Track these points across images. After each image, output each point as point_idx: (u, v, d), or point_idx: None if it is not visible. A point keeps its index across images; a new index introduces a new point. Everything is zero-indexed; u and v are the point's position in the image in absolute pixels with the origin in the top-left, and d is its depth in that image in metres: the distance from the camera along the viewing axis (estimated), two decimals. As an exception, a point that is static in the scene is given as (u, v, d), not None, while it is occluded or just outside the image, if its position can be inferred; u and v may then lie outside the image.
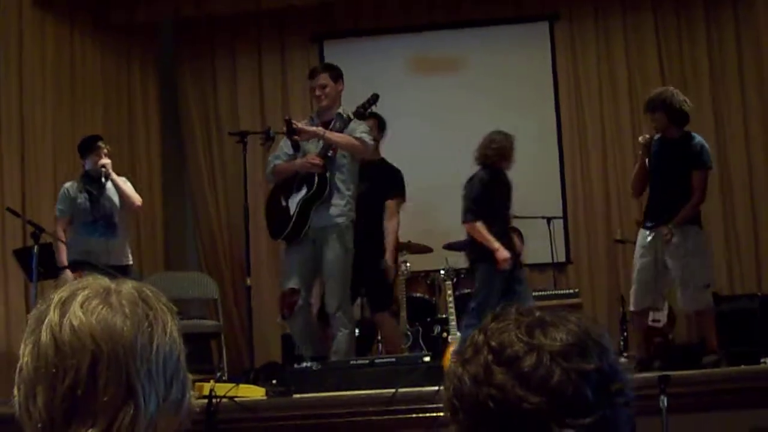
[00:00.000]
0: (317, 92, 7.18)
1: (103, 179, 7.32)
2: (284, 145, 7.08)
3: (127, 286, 1.45)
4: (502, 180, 7.36)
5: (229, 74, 10.44)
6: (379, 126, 7.52)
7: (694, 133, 7.05)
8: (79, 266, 7.05)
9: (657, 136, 7.07)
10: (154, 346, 1.38)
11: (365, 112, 7.20)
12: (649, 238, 6.95)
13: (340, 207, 6.98)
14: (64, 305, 1.39)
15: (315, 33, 10.40)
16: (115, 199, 7.41)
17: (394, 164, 7.91)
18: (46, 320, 1.38)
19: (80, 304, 1.38)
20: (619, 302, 8.70)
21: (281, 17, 10.25)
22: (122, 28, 9.63)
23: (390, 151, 7.68)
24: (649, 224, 7.00)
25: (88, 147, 7.46)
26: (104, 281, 1.45)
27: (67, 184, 7.50)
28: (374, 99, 7.22)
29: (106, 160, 7.33)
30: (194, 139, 10.41)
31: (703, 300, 6.95)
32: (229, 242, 10.08)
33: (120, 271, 7.29)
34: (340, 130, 6.97)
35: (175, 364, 1.41)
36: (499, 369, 1.28)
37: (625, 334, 8.05)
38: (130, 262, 7.60)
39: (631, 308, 7.07)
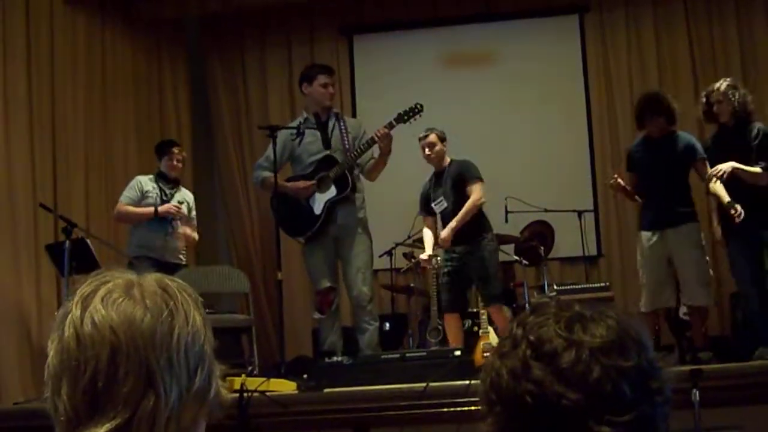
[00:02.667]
0: (331, 90, 7.32)
1: (171, 223, 7.69)
2: (269, 151, 7.12)
3: (150, 279, 1.45)
4: None
5: (258, 68, 10.46)
6: (441, 139, 7.49)
7: (677, 130, 7.07)
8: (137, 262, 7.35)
9: (634, 143, 7.24)
10: (175, 336, 1.38)
11: (407, 122, 7.16)
12: (654, 239, 6.94)
13: (360, 201, 7.27)
14: (86, 300, 1.40)
15: (344, 26, 10.40)
16: (183, 206, 7.78)
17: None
18: (69, 316, 1.39)
19: (101, 299, 1.39)
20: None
21: (310, 10, 10.26)
22: (151, 23, 9.68)
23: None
24: (648, 226, 6.98)
25: (163, 150, 7.85)
26: (128, 276, 1.45)
27: (142, 177, 7.83)
28: (418, 110, 7.14)
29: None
30: (224, 134, 10.44)
31: (707, 296, 7.00)
32: (260, 236, 10.12)
33: (175, 269, 7.48)
34: (342, 128, 7.22)
35: (198, 354, 1.41)
36: (537, 364, 1.27)
37: (657, 327, 7.99)
38: (185, 263, 7.93)
39: (642, 310, 6.99)
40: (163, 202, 7.65)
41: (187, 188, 8.20)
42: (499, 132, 9.66)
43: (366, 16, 10.41)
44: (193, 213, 7.97)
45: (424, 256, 7.52)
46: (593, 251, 9.61)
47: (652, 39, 9.89)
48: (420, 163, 7.55)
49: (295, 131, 7.22)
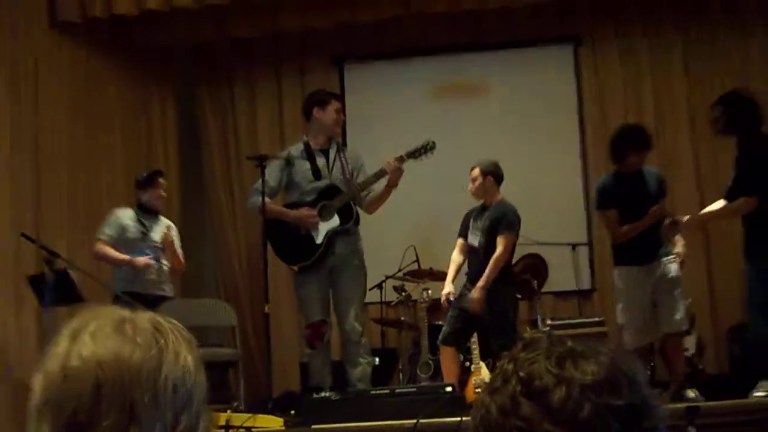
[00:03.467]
0: (342, 117, 7.37)
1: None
2: (270, 177, 7.13)
3: (143, 316, 1.45)
4: None
5: (247, 97, 10.48)
6: (485, 173, 7.46)
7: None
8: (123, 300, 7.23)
9: (605, 179, 7.30)
10: (163, 374, 1.37)
11: (419, 158, 7.18)
12: (641, 275, 6.97)
13: (358, 233, 7.20)
14: (75, 335, 1.39)
15: (335, 55, 10.42)
16: (172, 231, 7.88)
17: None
18: (57, 351, 1.38)
19: (91, 334, 1.39)
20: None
21: (301, 39, 10.27)
22: (139, 51, 9.65)
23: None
24: (634, 261, 7.01)
25: (149, 181, 7.82)
26: (120, 311, 1.44)
27: (120, 211, 7.81)
28: (431, 147, 7.18)
29: (167, 237, 7.74)
30: (213, 164, 10.44)
31: (683, 323, 7.08)
32: (248, 268, 10.09)
33: (160, 302, 7.49)
34: (343, 158, 7.31)
35: (186, 395, 1.39)
36: (526, 401, 1.26)
37: (652, 363, 7.99)
38: (171, 294, 7.91)
39: (629, 347, 6.94)
40: (143, 236, 7.64)
41: (174, 219, 8.19)
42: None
43: (357, 45, 10.43)
44: (175, 233, 7.93)
45: (445, 291, 7.47)
46: (587, 285, 9.62)
47: (647, 72, 9.90)
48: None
49: (284, 161, 7.23)
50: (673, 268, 7.02)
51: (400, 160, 7.07)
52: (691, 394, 6.67)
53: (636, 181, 7.03)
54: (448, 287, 7.46)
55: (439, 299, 8.20)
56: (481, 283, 7.20)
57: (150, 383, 1.35)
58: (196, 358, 1.44)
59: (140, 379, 1.34)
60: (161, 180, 7.84)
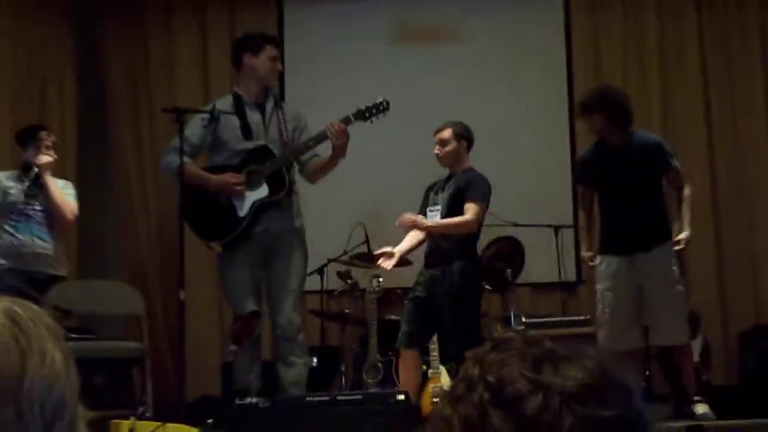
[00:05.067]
0: (279, 66, 7.36)
1: (30, 180, 7.63)
2: (191, 133, 7.09)
3: None
4: None
5: (163, 36, 10.41)
6: (459, 136, 7.51)
7: (637, 131, 7.18)
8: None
9: (587, 151, 7.40)
10: (27, 382, 1.32)
11: (369, 119, 7.17)
12: (618, 266, 7.01)
13: (296, 206, 7.23)
14: None
15: (273, -10, 10.39)
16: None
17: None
18: None
19: None
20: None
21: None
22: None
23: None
24: (615, 250, 7.05)
25: (28, 137, 7.77)
26: None
27: (1, 173, 7.78)
28: (384, 107, 7.16)
29: (44, 158, 7.59)
30: (118, 117, 10.38)
31: (684, 332, 7.10)
32: (159, 245, 10.06)
33: (54, 282, 7.42)
34: (281, 116, 7.26)
35: (56, 403, 1.35)
36: (497, 411, 1.26)
37: (648, 372, 8.07)
38: (65, 273, 7.88)
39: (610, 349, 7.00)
40: (27, 198, 7.59)
41: (71, 184, 8.11)
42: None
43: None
44: (69, 191, 7.85)
45: (387, 249, 7.48)
46: (572, 276, 9.68)
47: (652, 19, 9.93)
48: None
49: (207, 116, 7.19)
50: (670, 263, 7.04)
51: (347, 121, 7.05)
52: (700, 409, 6.73)
53: (618, 157, 7.03)
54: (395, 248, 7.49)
55: (392, 290, 8.22)
56: (431, 223, 7.28)
57: (11, 397, 1.31)
58: (65, 352, 1.40)
59: None
60: (43, 134, 7.74)
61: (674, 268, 7.03)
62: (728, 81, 9.75)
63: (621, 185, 7.03)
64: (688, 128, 9.60)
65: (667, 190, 7.16)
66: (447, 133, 7.43)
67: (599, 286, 7.17)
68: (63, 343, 1.40)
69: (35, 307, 1.42)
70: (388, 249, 7.43)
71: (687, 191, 7.13)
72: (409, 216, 7.31)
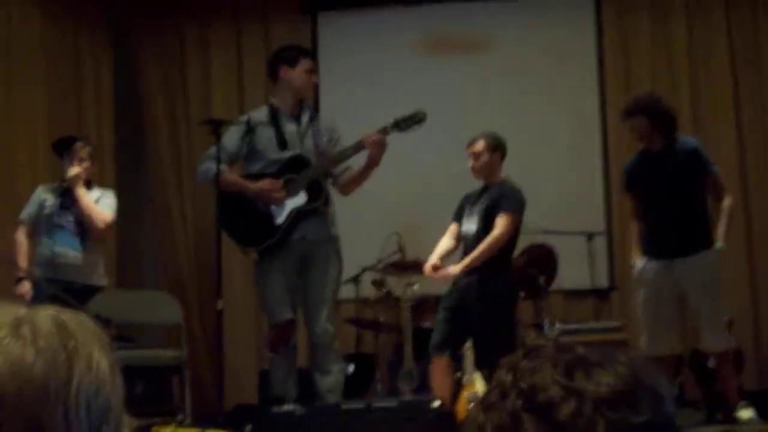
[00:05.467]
0: (315, 78, 7.39)
1: (63, 191, 7.66)
2: (228, 142, 7.11)
3: (43, 313, 1.41)
4: None
5: (200, 48, 10.44)
6: (492, 148, 7.53)
7: (680, 137, 7.23)
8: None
9: (631, 159, 7.46)
10: (74, 386, 1.34)
11: (405, 130, 7.20)
12: (660, 269, 7.04)
13: (332, 215, 7.28)
14: None
15: (307, 1, 10.40)
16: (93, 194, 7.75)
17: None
18: None
19: None
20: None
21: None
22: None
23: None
24: (654, 254, 7.08)
25: (63, 148, 7.77)
26: (15, 309, 1.40)
27: (44, 186, 7.81)
28: (420, 118, 7.16)
29: (74, 171, 7.57)
30: (156, 130, 10.41)
31: (726, 338, 7.11)
32: (197, 256, 10.08)
33: (91, 293, 7.45)
34: (316, 127, 7.30)
35: (103, 407, 1.37)
36: (529, 417, 1.27)
37: (681, 378, 8.04)
38: (104, 283, 7.88)
39: (647, 354, 6.95)
40: (62, 210, 7.62)
41: (111, 193, 8.10)
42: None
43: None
44: (107, 200, 7.84)
45: (430, 262, 7.47)
46: (604, 283, 9.66)
47: (682, 27, 9.91)
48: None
49: (244, 127, 7.22)
50: (710, 271, 7.03)
51: (384, 132, 7.06)
52: (745, 414, 6.69)
53: (660, 163, 7.09)
54: (434, 258, 7.49)
55: (426, 298, 8.23)
56: (467, 260, 7.27)
57: (59, 398, 1.32)
58: (111, 359, 1.42)
59: (47, 394, 1.32)
60: (78, 144, 7.74)
61: (715, 276, 7.05)
62: (757, 82, 9.73)
63: (661, 190, 7.07)
64: (717, 130, 9.56)
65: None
66: (480, 146, 7.43)
67: (638, 290, 7.19)
68: (109, 351, 1.42)
69: (81, 315, 1.44)
70: (428, 266, 7.42)
71: (726, 202, 7.15)
72: (436, 272, 7.37)
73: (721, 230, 7.07)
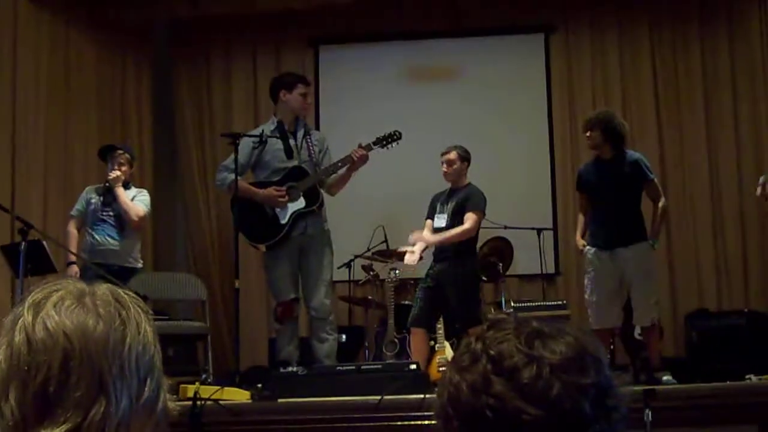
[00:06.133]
0: (309, 100, 7.39)
1: (105, 191, 7.65)
2: (241, 153, 7.10)
3: (102, 288, 1.46)
4: None
5: (224, 76, 10.42)
6: (462, 158, 7.57)
7: (627, 150, 7.24)
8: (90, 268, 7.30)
9: (583, 165, 7.51)
10: (127, 344, 1.39)
11: (385, 147, 7.28)
12: (605, 257, 7.04)
13: (324, 215, 7.32)
14: (38, 306, 1.39)
15: (311, 37, 10.37)
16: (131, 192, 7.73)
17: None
18: (20, 321, 1.38)
19: (53, 305, 1.39)
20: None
21: (278, 20, 10.21)
22: (118, 27, 9.58)
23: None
24: (600, 244, 7.08)
25: (104, 155, 7.77)
26: (79, 284, 1.46)
27: (91, 187, 7.82)
28: (397, 137, 7.30)
29: (114, 174, 7.56)
30: (187, 140, 10.38)
31: (655, 315, 7.12)
32: (219, 244, 10.06)
33: (127, 273, 7.41)
34: (310, 141, 7.30)
35: (148, 364, 1.42)
36: (498, 379, 1.26)
37: (612, 347, 8.03)
38: (139, 265, 7.84)
39: (594, 327, 7.00)
40: (104, 205, 7.60)
41: (146, 191, 8.06)
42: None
43: (334, 27, 10.39)
44: (142, 197, 7.77)
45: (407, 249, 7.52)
46: (551, 269, 9.65)
47: (616, 62, 9.94)
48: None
49: (257, 139, 7.22)
50: (647, 258, 7.07)
51: (367, 148, 7.15)
52: (665, 377, 6.72)
53: (608, 168, 7.12)
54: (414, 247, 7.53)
55: (406, 280, 8.23)
56: (437, 237, 7.38)
57: (116, 354, 1.37)
58: (154, 329, 1.47)
59: (107, 350, 1.36)
60: (118, 152, 7.69)
61: (650, 265, 7.14)
62: (676, 106, 9.83)
63: (608, 192, 7.09)
64: (644, 147, 9.56)
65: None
66: (453, 155, 7.52)
67: (587, 275, 7.21)
68: (151, 321, 1.47)
69: (130, 291, 1.50)
70: (410, 248, 7.47)
71: (661, 203, 7.21)
72: (419, 234, 7.47)
73: (655, 227, 7.15)
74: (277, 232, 7.13)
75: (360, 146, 7.15)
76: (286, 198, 7.10)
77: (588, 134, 7.17)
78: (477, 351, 1.31)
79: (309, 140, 7.31)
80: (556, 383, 1.24)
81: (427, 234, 7.48)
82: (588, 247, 7.19)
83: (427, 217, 7.65)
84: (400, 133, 7.28)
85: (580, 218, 7.44)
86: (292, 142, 7.27)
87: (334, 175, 7.33)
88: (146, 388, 1.40)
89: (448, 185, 7.63)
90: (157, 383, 1.42)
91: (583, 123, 7.36)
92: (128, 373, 1.37)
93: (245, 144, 7.17)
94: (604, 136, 7.07)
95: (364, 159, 7.12)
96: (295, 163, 7.21)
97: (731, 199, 9.63)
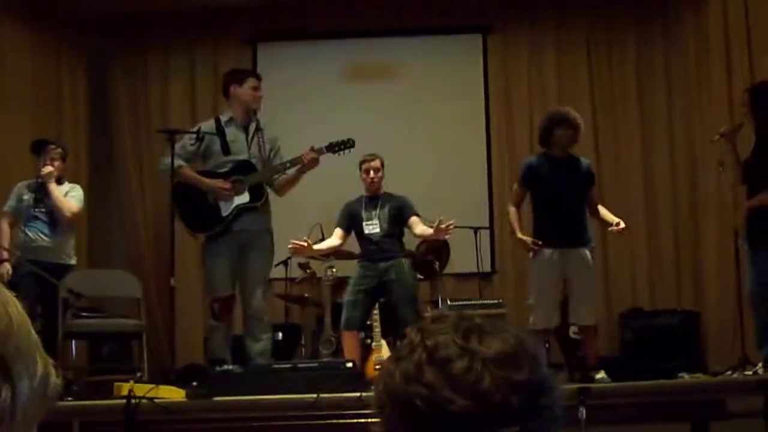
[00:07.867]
0: (259, 93, 7.32)
1: (37, 187, 7.55)
2: (185, 143, 7.14)
3: None
4: None
5: (161, 71, 10.34)
6: (383, 165, 7.60)
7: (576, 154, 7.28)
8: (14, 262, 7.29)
9: (533, 158, 7.34)
10: (15, 322, 1.31)
11: (337, 153, 7.26)
12: (554, 257, 7.01)
13: (269, 212, 7.28)
14: None
15: (250, 34, 10.33)
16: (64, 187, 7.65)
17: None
18: None
19: None
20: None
21: (216, 16, 10.17)
22: (53, 21, 9.47)
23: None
24: (549, 244, 7.02)
25: (37, 150, 7.66)
26: None
27: (21, 183, 7.70)
28: (350, 145, 7.26)
29: (46, 170, 7.46)
30: (123, 137, 10.29)
31: (596, 315, 7.25)
32: (155, 241, 9.99)
33: (61, 270, 7.33)
34: (261, 138, 7.23)
35: (34, 340, 1.35)
36: (430, 368, 1.27)
37: (548, 345, 8.10)
38: (73, 262, 7.75)
39: (536, 327, 6.95)
40: (36, 202, 7.51)
41: (82, 189, 7.97)
42: (400, 146, 9.61)
43: (273, 24, 10.35)
44: (75, 193, 7.70)
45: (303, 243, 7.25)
46: (487, 268, 9.70)
47: (553, 63, 10.04)
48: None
49: (194, 137, 7.17)
50: (590, 261, 7.07)
51: (319, 152, 7.12)
52: (599, 375, 6.77)
53: (563, 168, 7.09)
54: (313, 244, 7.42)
55: (343, 278, 8.22)
56: (427, 230, 7.35)
57: (10, 334, 1.29)
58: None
59: (1, 332, 1.29)
60: (50, 147, 7.61)
61: (592, 267, 7.16)
62: (612, 120, 9.99)
63: (566, 191, 7.05)
64: (579, 146, 9.66)
65: None
66: (378, 163, 7.54)
67: (534, 275, 7.15)
68: (12, 309, 1.35)
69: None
70: (305, 243, 7.25)
71: (602, 209, 7.25)
72: (299, 243, 7.18)
73: (609, 217, 7.14)
74: (218, 223, 7.09)
75: (312, 149, 7.12)
76: (232, 191, 7.06)
77: (566, 132, 7.08)
78: (414, 341, 1.32)
79: (260, 136, 7.27)
80: (487, 376, 1.25)
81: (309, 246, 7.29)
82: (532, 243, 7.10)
83: (339, 226, 7.62)
84: (353, 141, 7.23)
85: (513, 210, 7.25)
86: (241, 135, 7.23)
87: (283, 176, 7.29)
88: (39, 366, 1.33)
89: (386, 180, 7.64)
90: (45, 359, 1.36)
91: (571, 121, 7.13)
92: (24, 352, 1.31)
93: (184, 139, 7.16)
94: (577, 137, 7.10)
95: (314, 162, 7.09)
96: (244, 156, 7.18)
97: (665, 197, 9.77)
